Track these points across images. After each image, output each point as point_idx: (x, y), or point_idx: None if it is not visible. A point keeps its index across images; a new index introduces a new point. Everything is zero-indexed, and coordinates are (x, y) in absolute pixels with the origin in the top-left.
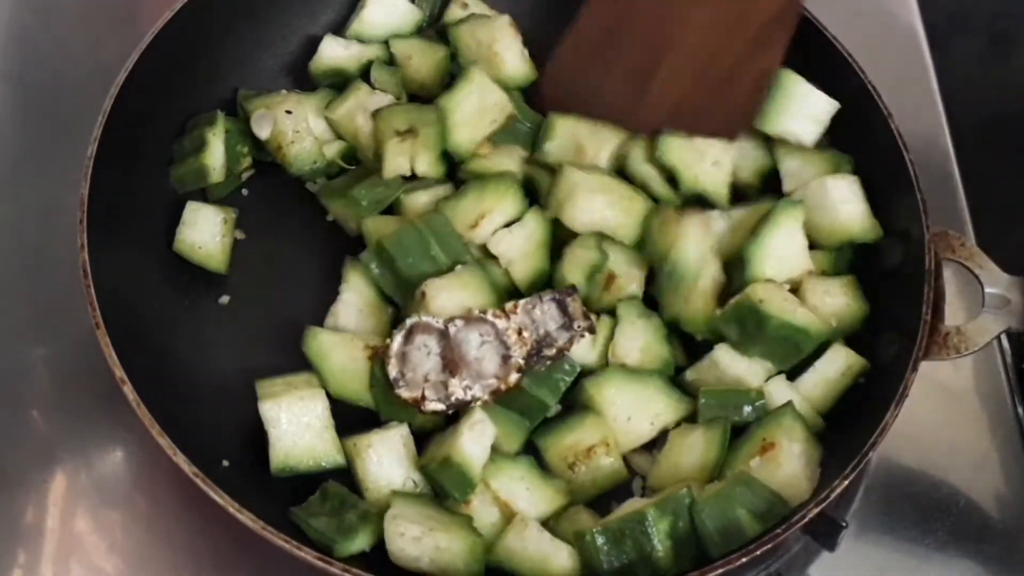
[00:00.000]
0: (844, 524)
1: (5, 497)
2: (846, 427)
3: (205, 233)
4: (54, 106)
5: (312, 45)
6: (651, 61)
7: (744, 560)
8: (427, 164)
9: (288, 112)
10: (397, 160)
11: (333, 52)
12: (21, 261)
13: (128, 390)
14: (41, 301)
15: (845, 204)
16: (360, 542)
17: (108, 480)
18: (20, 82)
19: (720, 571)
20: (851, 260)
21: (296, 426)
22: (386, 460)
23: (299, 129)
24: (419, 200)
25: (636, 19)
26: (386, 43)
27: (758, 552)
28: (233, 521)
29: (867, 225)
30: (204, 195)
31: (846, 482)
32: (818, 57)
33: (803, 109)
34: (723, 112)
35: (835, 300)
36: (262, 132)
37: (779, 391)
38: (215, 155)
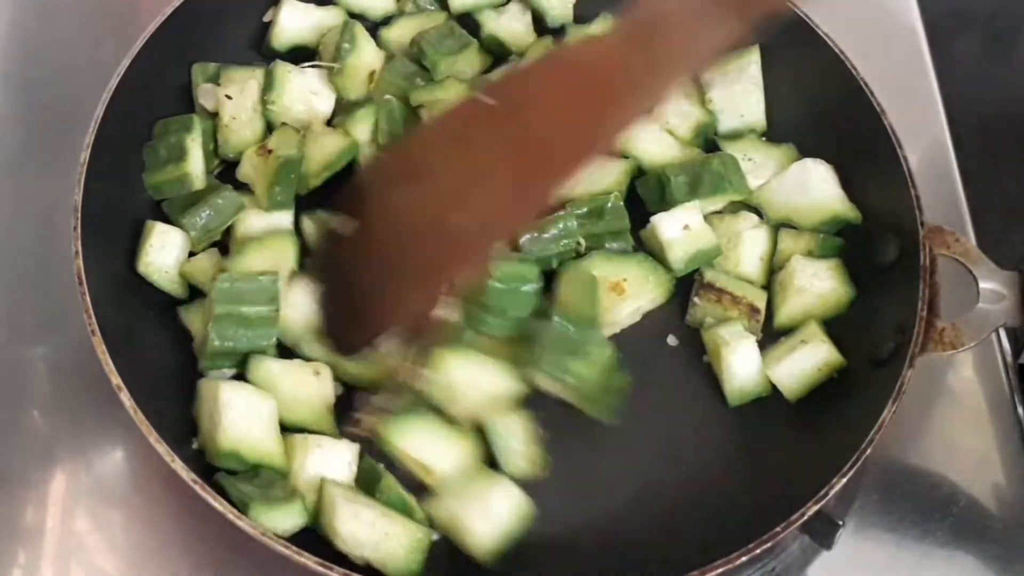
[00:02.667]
0: (840, 523)
1: (5, 497)
2: (843, 425)
3: (172, 258)
4: (54, 106)
5: None
6: None
7: (744, 559)
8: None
9: (228, 97)
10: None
11: (294, 22)
12: (21, 260)
13: (125, 396)
14: (41, 301)
15: (824, 184)
16: (279, 516)
17: (108, 480)
18: (20, 82)
19: (720, 570)
20: (841, 248)
21: (250, 415)
22: (329, 466)
23: (236, 116)
24: (253, 225)
25: None
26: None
27: (757, 551)
28: (234, 523)
29: (846, 206)
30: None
31: (844, 480)
32: (808, 53)
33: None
34: None
35: (823, 283)
36: (207, 104)
37: (747, 359)
38: (196, 162)
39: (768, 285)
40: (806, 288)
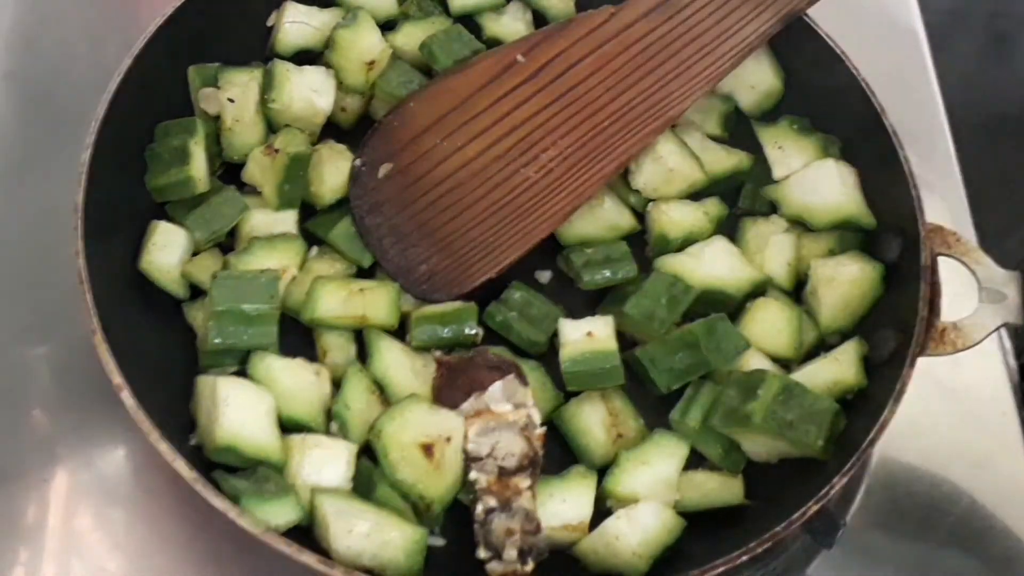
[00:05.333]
0: (842, 523)
1: (7, 495)
2: (845, 424)
3: (174, 257)
4: (55, 106)
5: None
6: None
7: (745, 558)
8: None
9: (230, 100)
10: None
11: (297, 25)
12: (21, 260)
13: (126, 395)
14: (42, 299)
15: (842, 186)
16: (272, 511)
17: (110, 478)
18: (21, 82)
19: (721, 569)
20: (860, 245)
21: (247, 411)
22: (326, 466)
23: (239, 119)
24: (258, 225)
25: None
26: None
27: (758, 550)
28: (235, 522)
29: (861, 210)
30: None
31: (844, 479)
32: (810, 53)
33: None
34: None
35: (848, 267)
36: (209, 108)
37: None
38: (199, 166)
39: (799, 302)
40: (834, 277)
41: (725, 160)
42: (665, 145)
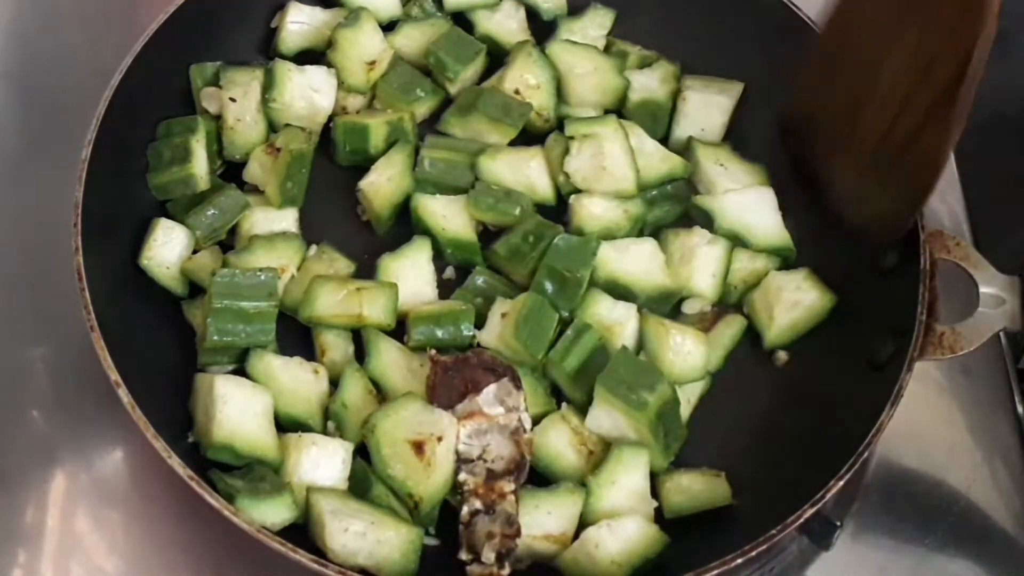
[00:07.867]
0: (838, 524)
1: (5, 497)
2: (841, 427)
3: (174, 254)
4: (54, 106)
5: None
6: (856, 100)
7: (739, 561)
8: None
9: (232, 100)
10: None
11: (300, 25)
12: (21, 260)
13: (123, 393)
14: (41, 301)
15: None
16: (267, 510)
17: (108, 480)
18: (20, 82)
19: (715, 572)
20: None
21: (244, 409)
22: (322, 465)
23: (240, 118)
24: (259, 223)
25: (850, 54)
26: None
27: (753, 553)
28: (230, 522)
29: (783, 237)
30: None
31: (841, 482)
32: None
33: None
34: (896, 186)
35: (808, 295)
36: (211, 107)
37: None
38: (200, 164)
39: (739, 306)
40: (798, 302)
41: (659, 165)
42: (612, 144)
